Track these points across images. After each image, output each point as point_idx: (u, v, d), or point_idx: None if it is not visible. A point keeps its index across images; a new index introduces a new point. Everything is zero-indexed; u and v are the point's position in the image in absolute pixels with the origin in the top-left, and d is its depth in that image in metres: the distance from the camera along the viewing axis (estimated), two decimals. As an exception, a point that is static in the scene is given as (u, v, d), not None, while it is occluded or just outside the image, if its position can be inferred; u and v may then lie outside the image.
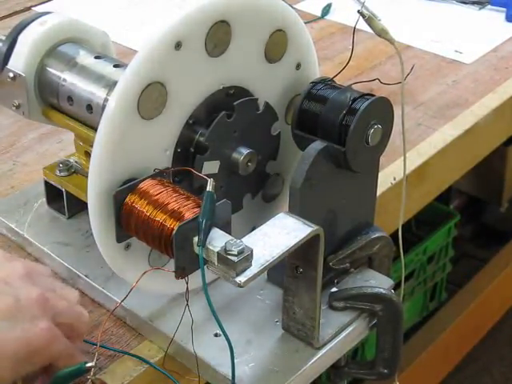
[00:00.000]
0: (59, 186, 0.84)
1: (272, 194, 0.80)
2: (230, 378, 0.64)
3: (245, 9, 0.69)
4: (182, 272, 0.63)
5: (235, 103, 0.71)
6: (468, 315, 1.72)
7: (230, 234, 0.62)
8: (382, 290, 0.74)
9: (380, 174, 0.77)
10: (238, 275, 0.59)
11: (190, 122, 0.70)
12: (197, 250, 0.61)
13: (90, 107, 0.75)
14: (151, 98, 0.66)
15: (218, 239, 0.60)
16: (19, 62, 0.77)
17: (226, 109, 0.71)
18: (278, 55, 0.74)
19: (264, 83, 0.74)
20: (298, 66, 0.76)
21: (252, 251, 0.59)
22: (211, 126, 0.69)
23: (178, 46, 0.65)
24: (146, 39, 0.65)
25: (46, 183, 0.85)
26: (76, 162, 0.83)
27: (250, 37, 0.71)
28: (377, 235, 0.77)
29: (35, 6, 1.42)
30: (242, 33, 0.70)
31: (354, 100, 0.70)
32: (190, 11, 0.66)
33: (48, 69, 0.78)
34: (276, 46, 0.73)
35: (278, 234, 0.63)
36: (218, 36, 0.68)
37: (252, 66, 0.73)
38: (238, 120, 0.71)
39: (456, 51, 1.27)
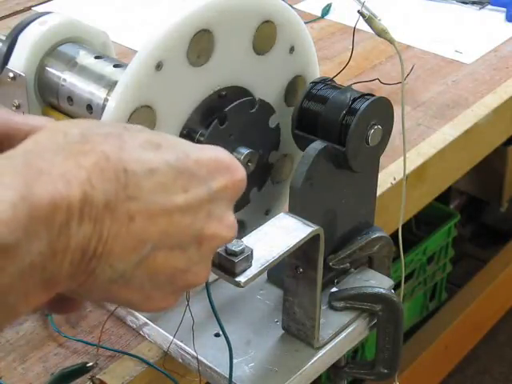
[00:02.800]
0: (59, 186, 0.83)
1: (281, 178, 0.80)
2: (228, 377, 0.64)
3: (224, 10, 0.68)
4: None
5: (226, 109, 0.70)
6: (468, 315, 1.72)
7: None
8: (382, 290, 0.74)
9: (380, 174, 0.77)
10: (238, 275, 0.59)
11: (185, 132, 0.70)
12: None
13: (90, 107, 0.74)
14: (139, 123, 0.65)
15: (218, 239, 0.60)
16: (19, 62, 0.77)
17: (221, 110, 0.70)
18: (268, 46, 0.73)
19: (257, 76, 0.74)
20: (292, 50, 0.75)
21: (252, 251, 0.59)
22: (205, 135, 0.69)
23: (158, 66, 0.65)
24: (128, 66, 0.65)
25: (46, 183, 0.85)
26: (76, 162, 0.83)
27: (235, 36, 0.70)
28: (377, 235, 0.77)
29: (35, 6, 1.42)
30: (226, 35, 0.69)
31: (354, 100, 0.70)
32: (167, 30, 0.64)
33: (48, 69, 0.78)
34: (264, 37, 0.72)
35: (278, 234, 0.63)
36: (200, 46, 0.67)
37: (242, 64, 0.72)
38: (231, 124, 0.71)
39: (456, 51, 1.27)
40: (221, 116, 0.70)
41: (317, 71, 0.79)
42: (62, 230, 0.40)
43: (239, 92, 0.73)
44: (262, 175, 0.77)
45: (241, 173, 0.49)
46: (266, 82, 0.75)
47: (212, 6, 0.67)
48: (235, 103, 0.71)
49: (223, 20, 0.68)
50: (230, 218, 0.49)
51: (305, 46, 0.77)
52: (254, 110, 0.73)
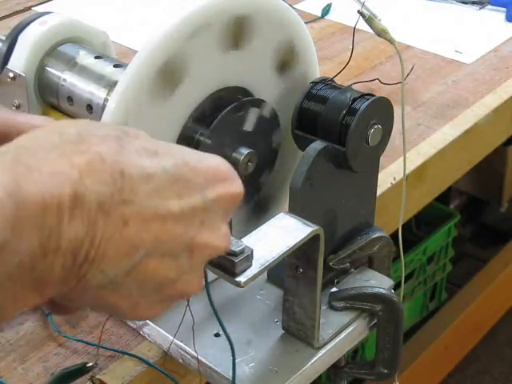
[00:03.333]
0: (59, 186, 0.83)
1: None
2: (231, 378, 0.64)
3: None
4: (182, 272, 0.62)
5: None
6: (468, 315, 1.72)
7: (230, 233, 0.62)
8: (382, 290, 0.74)
9: (380, 174, 0.77)
10: (238, 275, 0.59)
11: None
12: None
13: (90, 107, 0.75)
14: None
15: (218, 239, 0.60)
16: (19, 62, 0.77)
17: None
18: (247, 38, 0.72)
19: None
20: (268, 19, 0.73)
21: (252, 251, 0.59)
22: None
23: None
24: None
25: (46, 183, 0.85)
26: (76, 162, 0.83)
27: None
28: (377, 235, 0.77)
29: (35, 6, 1.42)
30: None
31: (354, 100, 0.70)
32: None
33: (48, 69, 0.78)
34: (239, 32, 0.72)
35: (278, 234, 0.63)
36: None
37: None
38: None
39: (456, 51, 1.27)
40: (221, 115, 0.70)
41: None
42: (52, 229, 0.40)
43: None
44: (270, 161, 0.77)
45: (238, 185, 0.49)
46: (255, 69, 0.75)
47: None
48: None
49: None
50: (223, 229, 0.48)
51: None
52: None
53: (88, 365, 0.68)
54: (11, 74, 0.77)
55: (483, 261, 1.90)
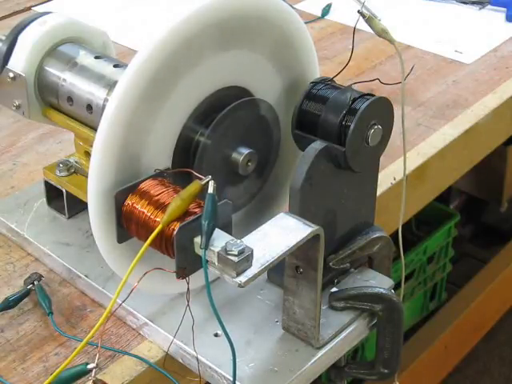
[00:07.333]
0: (59, 186, 0.84)
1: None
2: (232, 378, 0.64)
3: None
4: (182, 272, 0.63)
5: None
6: (468, 315, 1.72)
7: (230, 234, 0.62)
8: (382, 290, 0.74)
9: (380, 174, 0.77)
10: (238, 275, 0.59)
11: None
12: (197, 250, 0.61)
13: (90, 107, 0.75)
14: None
15: (219, 239, 0.60)
16: (19, 62, 0.77)
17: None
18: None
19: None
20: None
21: (252, 251, 0.59)
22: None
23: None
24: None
25: (46, 183, 0.85)
26: (76, 162, 0.83)
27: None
28: (377, 235, 0.77)
29: (35, 6, 1.42)
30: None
31: (354, 100, 0.70)
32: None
33: (48, 69, 0.78)
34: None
35: (278, 234, 0.63)
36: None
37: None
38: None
39: (456, 51, 1.27)
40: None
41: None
42: None
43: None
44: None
45: None
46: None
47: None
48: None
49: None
50: None
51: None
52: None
53: (89, 366, 0.68)
54: (11, 74, 0.77)
55: (483, 261, 1.90)
